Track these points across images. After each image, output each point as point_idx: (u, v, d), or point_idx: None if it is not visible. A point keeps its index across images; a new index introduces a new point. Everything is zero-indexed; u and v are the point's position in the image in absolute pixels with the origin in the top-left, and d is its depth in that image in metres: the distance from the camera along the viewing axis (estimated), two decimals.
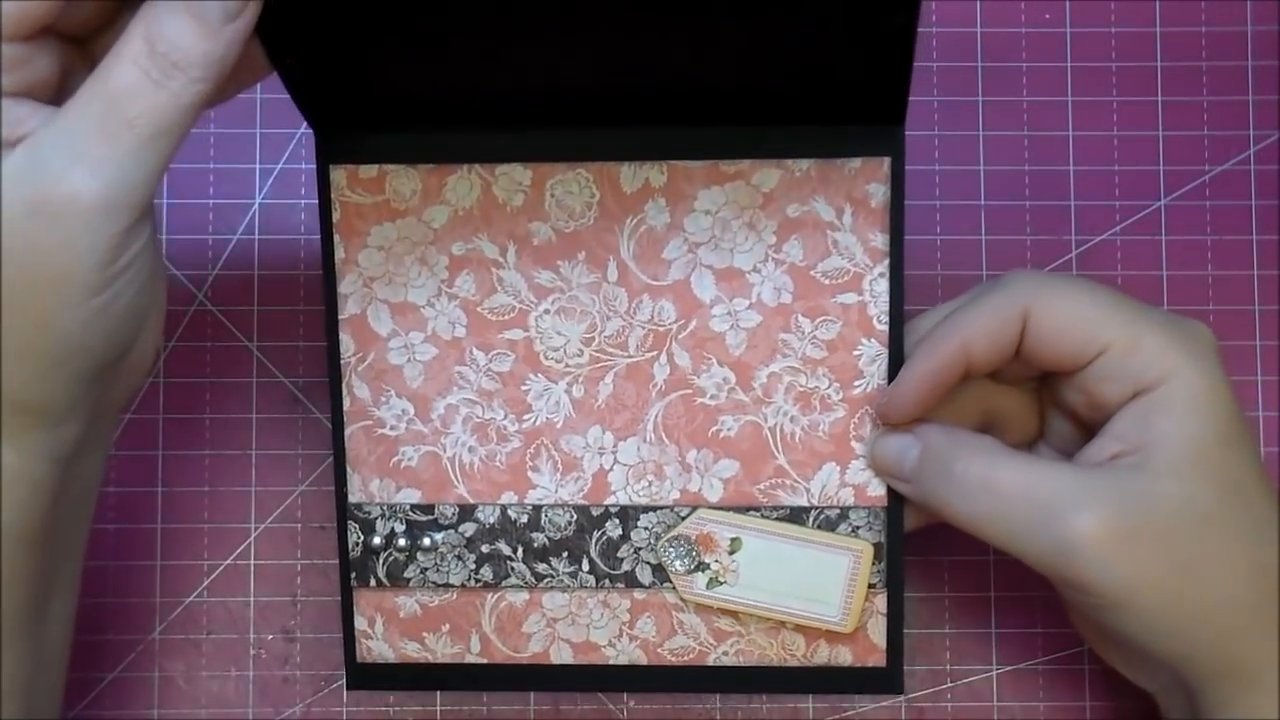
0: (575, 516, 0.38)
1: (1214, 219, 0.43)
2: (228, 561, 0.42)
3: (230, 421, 0.42)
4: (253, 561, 0.42)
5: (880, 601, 0.37)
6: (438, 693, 0.42)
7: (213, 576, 0.42)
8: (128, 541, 0.42)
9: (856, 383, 0.37)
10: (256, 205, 0.43)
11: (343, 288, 0.37)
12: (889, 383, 0.37)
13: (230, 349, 0.42)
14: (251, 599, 0.42)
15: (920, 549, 0.42)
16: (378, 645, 0.38)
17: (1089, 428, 0.36)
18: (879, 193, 0.37)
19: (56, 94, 0.31)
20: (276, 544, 0.42)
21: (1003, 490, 0.33)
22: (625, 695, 0.42)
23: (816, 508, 0.37)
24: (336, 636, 0.42)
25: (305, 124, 0.42)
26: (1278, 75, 0.43)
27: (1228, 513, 0.32)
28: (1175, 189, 0.43)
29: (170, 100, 0.29)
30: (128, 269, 0.30)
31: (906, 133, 0.43)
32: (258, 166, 0.43)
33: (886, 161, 0.36)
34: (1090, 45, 0.43)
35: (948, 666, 0.42)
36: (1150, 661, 0.35)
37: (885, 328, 0.37)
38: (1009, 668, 0.42)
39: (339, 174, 0.37)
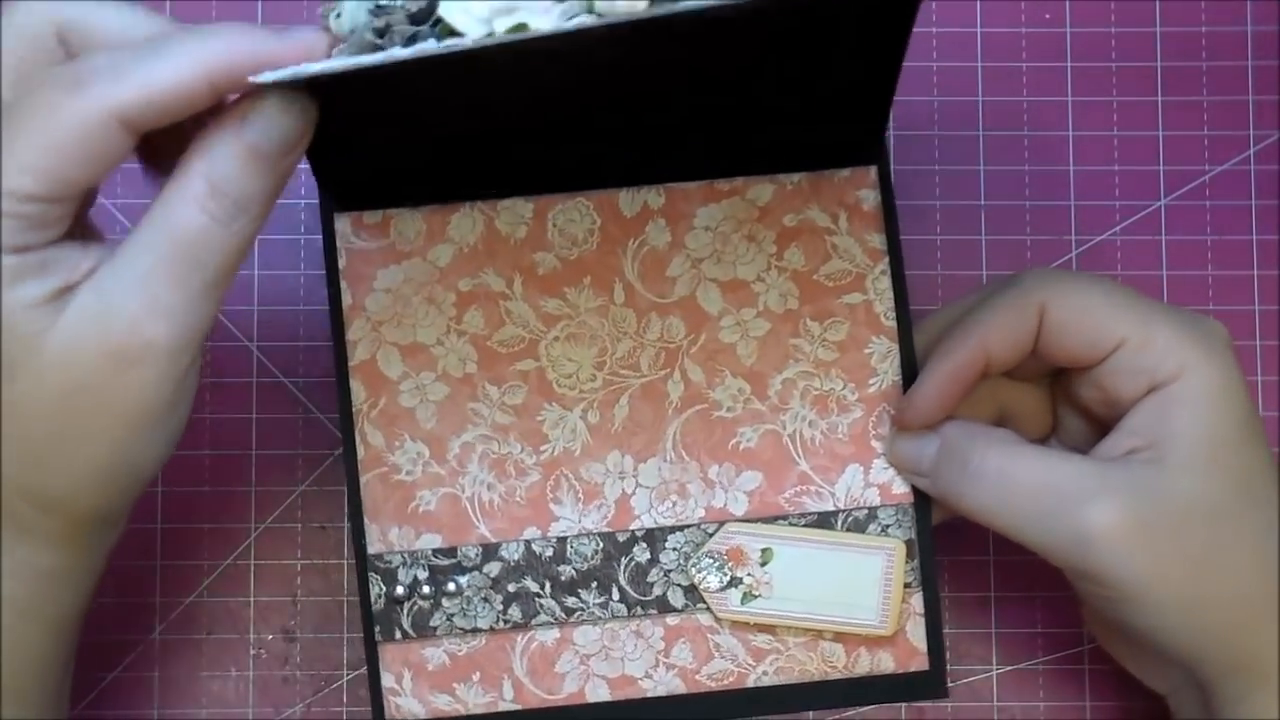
0: (601, 544, 0.37)
1: (1214, 219, 0.43)
2: (228, 561, 0.42)
3: (230, 421, 0.42)
4: (253, 561, 0.42)
5: (917, 602, 0.37)
6: None
7: (213, 576, 0.42)
8: (128, 541, 0.42)
9: (871, 381, 0.37)
10: None
11: (351, 334, 0.37)
12: (902, 378, 0.37)
13: (230, 349, 0.42)
14: (251, 599, 0.42)
15: None
16: (407, 702, 0.37)
17: (1102, 424, 0.36)
18: (870, 197, 0.37)
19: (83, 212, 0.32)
20: (276, 544, 0.42)
21: (1019, 482, 0.33)
22: None
23: (844, 510, 0.37)
24: (337, 637, 0.42)
25: None
26: (1278, 75, 0.43)
27: (1241, 508, 0.32)
28: (1175, 189, 0.43)
29: (236, 241, 0.30)
30: (186, 394, 0.31)
31: (907, 133, 0.43)
32: None
33: (873, 169, 0.37)
34: (1090, 45, 0.43)
35: (948, 666, 0.42)
36: (1163, 658, 0.35)
37: (893, 323, 0.37)
38: (1009, 668, 0.42)
39: (344, 221, 0.37)
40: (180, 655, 0.42)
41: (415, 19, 0.29)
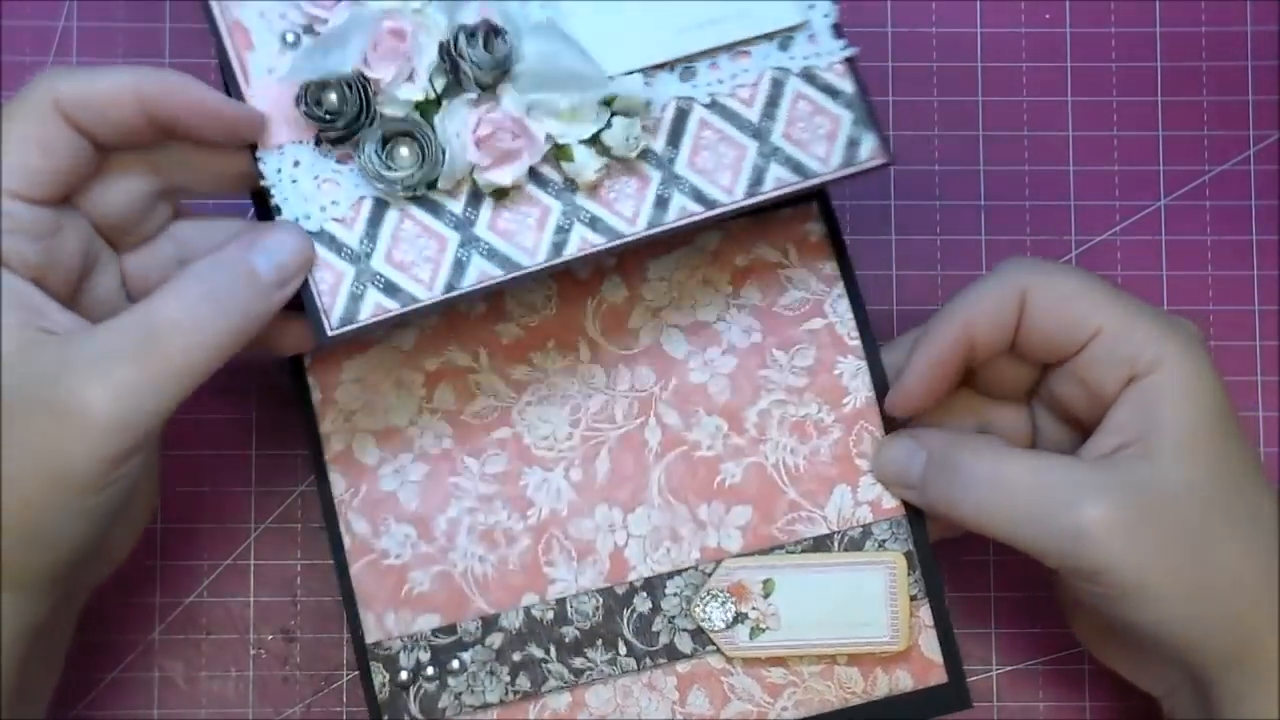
0: (601, 600, 0.37)
1: (1214, 219, 0.43)
2: (228, 561, 0.42)
3: (230, 422, 0.42)
4: (253, 561, 0.42)
5: (925, 614, 0.37)
6: None
7: (213, 576, 0.42)
8: None
9: (844, 400, 0.38)
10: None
11: (324, 428, 0.37)
12: (874, 393, 0.37)
13: None
14: (251, 599, 0.42)
15: None
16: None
17: (1084, 429, 0.36)
18: (816, 229, 0.38)
19: (76, 286, 0.33)
20: (276, 544, 0.42)
21: (1011, 482, 0.33)
22: None
23: (838, 531, 0.37)
24: (336, 637, 0.42)
25: None
26: (1278, 75, 0.43)
27: (1228, 497, 0.33)
28: (1175, 189, 0.43)
29: (209, 343, 0.31)
30: (118, 481, 0.31)
31: (907, 133, 0.43)
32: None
33: (814, 205, 0.38)
34: (1090, 45, 0.43)
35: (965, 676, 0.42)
36: (1159, 658, 0.35)
37: (857, 342, 0.38)
38: (1009, 668, 0.42)
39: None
40: (180, 655, 0.42)
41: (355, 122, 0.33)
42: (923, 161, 0.43)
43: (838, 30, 0.35)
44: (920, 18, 0.43)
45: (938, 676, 0.37)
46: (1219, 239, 0.43)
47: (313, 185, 0.33)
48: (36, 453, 0.30)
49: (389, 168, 0.33)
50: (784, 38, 0.35)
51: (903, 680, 0.37)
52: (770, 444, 0.38)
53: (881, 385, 0.37)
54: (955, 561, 0.42)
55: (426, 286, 0.34)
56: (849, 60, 0.35)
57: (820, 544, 0.37)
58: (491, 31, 0.33)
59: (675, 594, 0.37)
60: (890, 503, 0.37)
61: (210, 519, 0.42)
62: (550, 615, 0.37)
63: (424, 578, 0.37)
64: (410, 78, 0.33)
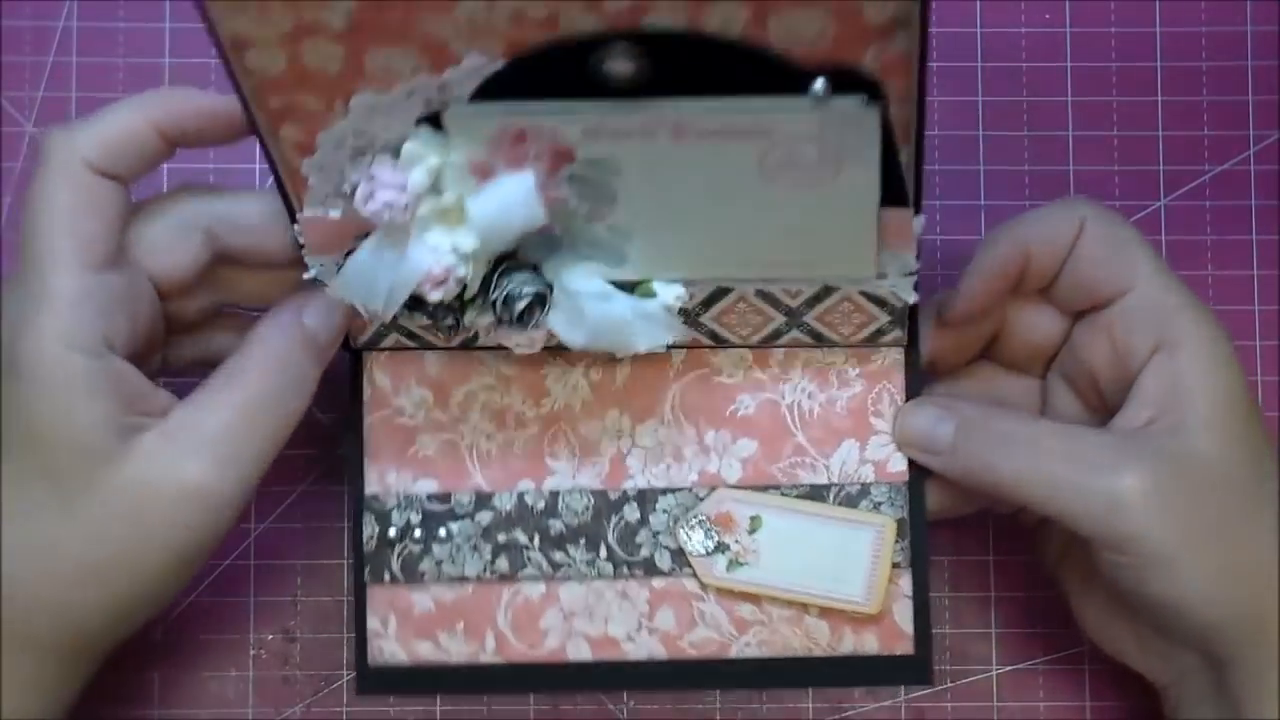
0: (593, 501, 0.38)
1: (1214, 219, 0.43)
2: (228, 561, 0.42)
3: None
4: (253, 561, 0.42)
5: (905, 584, 0.37)
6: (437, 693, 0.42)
7: (213, 576, 0.42)
8: None
9: (874, 358, 0.37)
10: None
11: None
12: (904, 354, 0.37)
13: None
14: (251, 599, 0.42)
15: None
16: (390, 645, 0.38)
17: (1097, 405, 0.37)
18: None
19: (157, 351, 0.35)
20: (276, 544, 0.42)
21: (1048, 447, 0.34)
22: (625, 695, 0.42)
23: (837, 485, 0.37)
24: (337, 637, 0.42)
25: None
26: (1278, 75, 0.43)
27: (1251, 476, 0.33)
28: (1175, 189, 0.43)
29: (292, 411, 0.34)
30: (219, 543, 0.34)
31: None
32: (257, 166, 0.43)
33: None
34: (1090, 45, 0.43)
35: (948, 666, 0.42)
36: (1176, 636, 0.35)
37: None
38: (1009, 668, 0.42)
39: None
40: (180, 655, 0.42)
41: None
42: (923, 161, 0.43)
43: (915, 283, 0.35)
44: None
45: (904, 647, 0.37)
46: (1219, 239, 0.43)
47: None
48: (161, 541, 0.32)
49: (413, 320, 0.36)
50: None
51: (869, 643, 0.37)
52: (790, 385, 0.38)
53: (913, 345, 0.37)
54: (956, 561, 0.42)
55: (445, 341, 0.37)
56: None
57: (816, 493, 0.37)
58: (537, 304, 0.33)
59: (665, 511, 0.37)
60: (895, 467, 0.37)
61: None
62: (541, 505, 0.38)
63: (431, 443, 0.38)
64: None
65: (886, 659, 0.37)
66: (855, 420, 0.38)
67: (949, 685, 0.42)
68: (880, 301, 0.36)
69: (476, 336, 0.36)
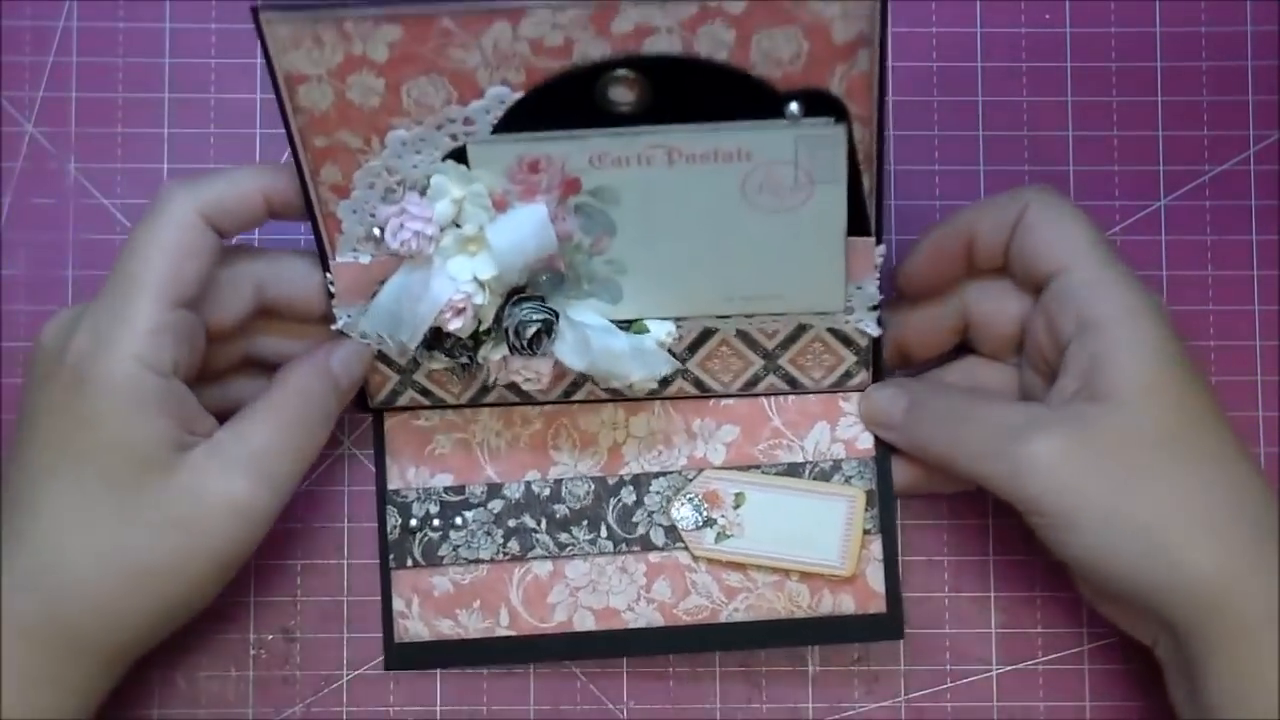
0: (593, 487, 0.41)
1: (1214, 219, 0.43)
2: None
3: None
4: (253, 561, 0.42)
5: (876, 548, 0.41)
6: (438, 693, 0.42)
7: None
8: None
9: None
10: None
11: None
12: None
13: None
14: (251, 599, 0.42)
15: (920, 549, 0.42)
16: (414, 625, 0.41)
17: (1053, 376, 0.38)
18: None
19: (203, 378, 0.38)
20: (277, 544, 0.42)
21: (971, 418, 0.37)
22: (626, 695, 0.42)
23: (811, 462, 0.41)
24: (337, 637, 0.42)
25: None
26: (1278, 75, 0.43)
27: (1179, 436, 0.34)
28: (1175, 189, 0.43)
29: (319, 440, 0.38)
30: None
31: (907, 133, 0.43)
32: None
33: None
34: (1090, 45, 0.43)
35: (948, 666, 0.42)
36: (1130, 602, 0.35)
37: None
38: (1009, 668, 0.42)
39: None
40: (180, 655, 0.42)
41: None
42: (923, 161, 0.43)
43: (879, 318, 0.39)
44: (920, 17, 0.43)
45: (877, 606, 0.41)
46: (1219, 239, 0.43)
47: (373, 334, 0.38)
48: (207, 551, 0.35)
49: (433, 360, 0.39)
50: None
51: (845, 603, 0.41)
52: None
53: (878, 370, 0.41)
54: (956, 561, 0.42)
55: (455, 398, 0.41)
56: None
57: (793, 470, 0.41)
58: (544, 331, 0.36)
59: (658, 492, 0.41)
60: (864, 444, 0.41)
61: None
62: (547, 492, 0.41)
63: (446, 442, 0.42)
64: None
65: (861, 617, 0.41)
66: (825, 405, 0.41)
67: (949, 685, 0.42)
68: (847, 340, 0.40)
69: (484, 391, 0.40)
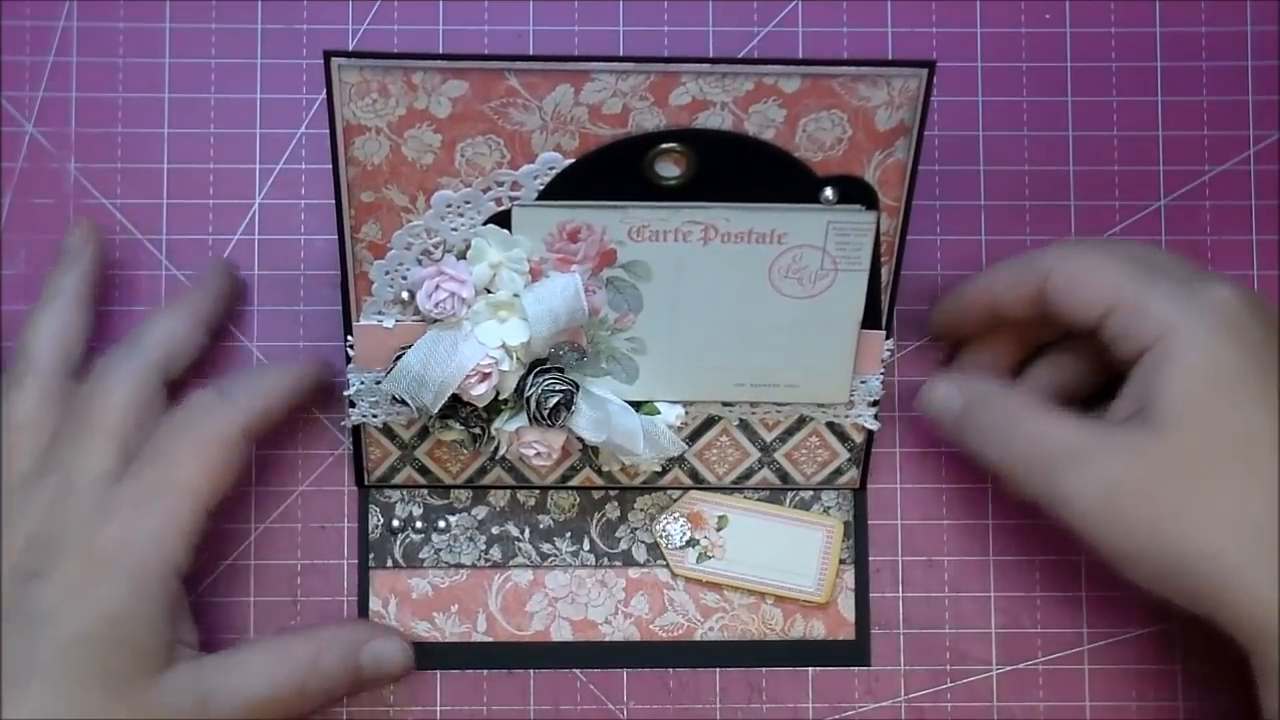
0: (578, 499, 0.42)
1: (1214, 219, 0.43)
2: (228, 561, 0.42)
3: None
4: (253, 561, 0.42)
5: (849, 578, 0.42)
6: (438, 693, 0.42)
7: (213, 576, 0.42)
8: None
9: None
10: (256, 205, 0.43)
11: None
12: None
13: (231, 349, 0.42)
14: (251, 599, 0.42)
15: (921, 549, 0.42)
16: (390, 626, 0.41)
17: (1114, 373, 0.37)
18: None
19: None
20: (276, 544, 0.42)
21: (1019, 437, 0.36)
22: (626, 695, 0.42)
23: (793, 491, 0.42)
24: None
25: (305, 124, 0.42)
26: (1278, 75, 0.43)
27: (1231, 458, 0.33)
28: (1175, 189, 0.43)
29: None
30: None
31: None
32: (258, 166, 0.43)
33: None
34: (1090, 45, 0.43)
35: (948, 666, 0.42)
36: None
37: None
38: (1009, 668, 0.42)
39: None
40: None
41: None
42: (923, 161, 0.43)
43: (876, 414, 0.40)
44: (920, 18, 0.43)
45: (847, 633, 0.42)
46: (1219, 239, 0.43)
47: (386, 399, 0.38)
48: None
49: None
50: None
51: (816, 628, 0.42)
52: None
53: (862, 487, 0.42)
54: (956, 561, 0.42)
55: (452, 477, 0.41)
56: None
57: (775, 497, 0.42)
58: (565, 404, 0.37)
59: (643, 510, 0.42)
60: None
61: (211, 519, 0.42)
62: (532, 502, 0.42)
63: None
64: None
65: (831, 643, 0.42)
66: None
67: (949, 685, 0.42)
68: (844, 436, 0.41)
69: (482, 472, 0.41)
